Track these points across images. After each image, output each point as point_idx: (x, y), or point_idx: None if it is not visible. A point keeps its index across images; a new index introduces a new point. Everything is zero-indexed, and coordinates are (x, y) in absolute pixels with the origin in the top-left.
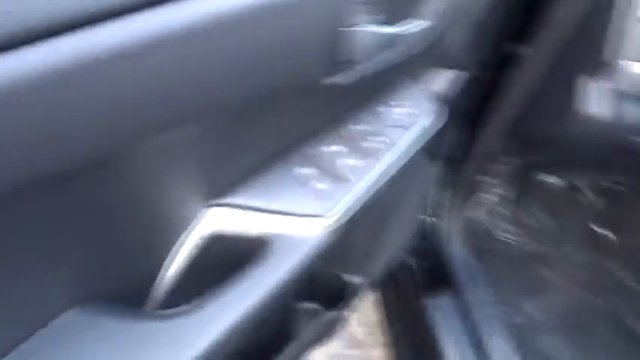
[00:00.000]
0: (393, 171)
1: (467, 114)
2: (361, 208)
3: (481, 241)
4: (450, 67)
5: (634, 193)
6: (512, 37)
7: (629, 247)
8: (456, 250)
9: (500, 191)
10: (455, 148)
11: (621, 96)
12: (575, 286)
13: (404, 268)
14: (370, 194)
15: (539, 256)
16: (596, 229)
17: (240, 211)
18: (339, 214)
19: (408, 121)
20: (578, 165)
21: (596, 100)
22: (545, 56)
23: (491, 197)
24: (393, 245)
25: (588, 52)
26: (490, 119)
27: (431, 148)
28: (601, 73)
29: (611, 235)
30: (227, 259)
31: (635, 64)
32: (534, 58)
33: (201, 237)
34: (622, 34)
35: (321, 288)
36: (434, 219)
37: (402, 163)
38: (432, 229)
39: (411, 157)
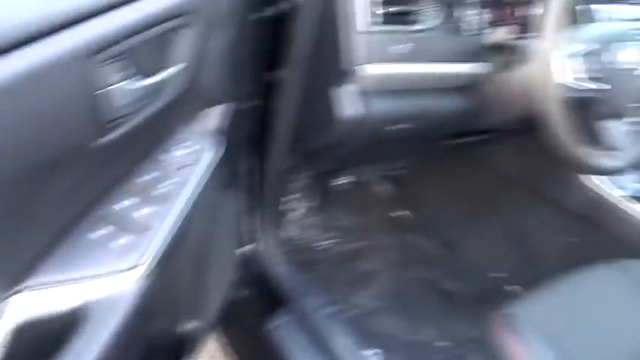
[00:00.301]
0: (191, 208)
1: (249, 142)
2: (170, 251)
3: (302, 254)
4: (219, 102)
5: (412, 172)
6: (269, 66)
7: (424, 220)
8: (281, 269)
9: (305, 204)
10: (250, 175)
11: (366, 95)
12: (393, 267)
13: (238, 301)
14: (175, 236)
15: (356, 252)
16: (394, 213)
17: (46, 289)
18: (148, 263)
19: (192, 159)
20: (361, 162)
21: (348, 104)
22: (299, 76)
23: (299, 211)
24: (220, 281)
25: (331, 64)
26: (271, 142)
27: (223, 179)
28: (345, 79)
29: (407, 214)
30: (44, 344)
31: (368, 66)
32: (291, 80)
33: (8, 330)
34: (349, 45)
35: (155, 344)
36: (252, 246)
37: (198, 198)
38: (254, 257)
39: (206, 191)
